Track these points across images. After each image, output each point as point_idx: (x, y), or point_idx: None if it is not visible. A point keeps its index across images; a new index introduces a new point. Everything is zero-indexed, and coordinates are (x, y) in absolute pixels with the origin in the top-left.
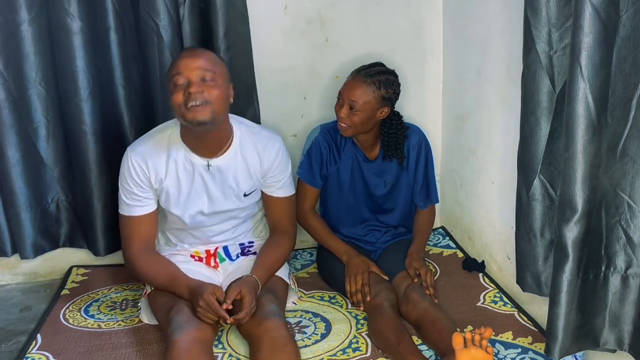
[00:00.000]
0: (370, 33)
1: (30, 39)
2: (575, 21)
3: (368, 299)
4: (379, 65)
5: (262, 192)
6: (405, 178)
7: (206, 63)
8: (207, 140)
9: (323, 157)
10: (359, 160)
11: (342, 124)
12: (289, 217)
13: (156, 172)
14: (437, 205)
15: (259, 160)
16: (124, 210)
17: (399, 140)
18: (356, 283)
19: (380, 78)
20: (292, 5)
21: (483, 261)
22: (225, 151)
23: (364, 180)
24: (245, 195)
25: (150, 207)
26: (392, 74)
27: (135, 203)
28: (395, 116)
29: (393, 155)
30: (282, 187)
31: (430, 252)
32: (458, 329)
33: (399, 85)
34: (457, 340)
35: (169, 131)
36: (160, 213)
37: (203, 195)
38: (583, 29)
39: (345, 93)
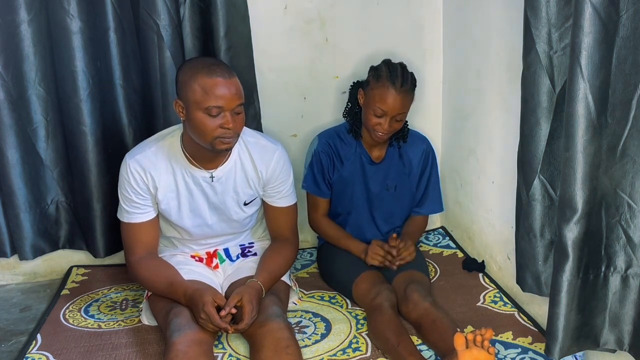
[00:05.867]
0: (370, 33)
1: (30, 39)
2: (575, 21)
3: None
4: (399, 66)
5: (263, 201)
6: (407, 183)
7: (238, 92)
8: (211, 153)
9: (324, 167)
10: (363, 162)
11: (380, 134)
12: (290, 226)
13: (155, 181)
14: None
15: (257, 172)
16: (124, 218)
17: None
18: (378, 255)
19: (412, 82)
20: (292, 5)
21: (483, 261)
22: (224, 162)
23: (366, 185)
24: (245, 204)
25: (150, 215)
26: (406, 68)
27: (135, 210)
28: None
29: (398, 135)
30: (284, 197)
31: (430, 252)
32: (458, 329)
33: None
34: (458, 341)
35: (169, 141)
36: (161, 219)
37: (204, 206)
38: (583, 29)
39: (392, 109)
